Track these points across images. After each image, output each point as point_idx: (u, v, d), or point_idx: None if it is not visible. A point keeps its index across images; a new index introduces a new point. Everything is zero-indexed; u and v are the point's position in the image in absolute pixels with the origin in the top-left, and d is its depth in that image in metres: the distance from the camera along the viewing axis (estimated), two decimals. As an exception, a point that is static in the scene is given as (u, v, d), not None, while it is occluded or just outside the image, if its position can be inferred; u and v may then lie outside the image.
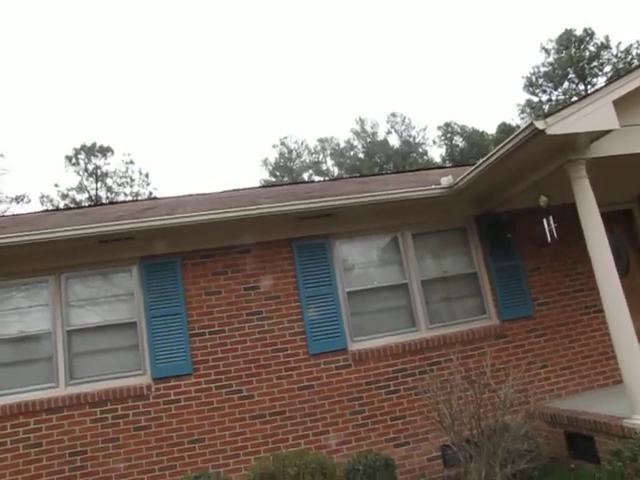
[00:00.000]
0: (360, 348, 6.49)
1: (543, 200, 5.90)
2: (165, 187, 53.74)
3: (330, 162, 52.50)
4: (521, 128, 5.13)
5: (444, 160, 48.52)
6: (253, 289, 6.41)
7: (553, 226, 5.96)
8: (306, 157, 52.86)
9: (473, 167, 6.13)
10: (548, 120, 4.84)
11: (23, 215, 8.82)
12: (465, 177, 6.28)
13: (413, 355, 6.53)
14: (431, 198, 6.67)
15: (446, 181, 6.65)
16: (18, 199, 34.22)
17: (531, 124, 4.90)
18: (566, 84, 43.93)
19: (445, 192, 6.61)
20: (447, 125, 50.11)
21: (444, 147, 50.48)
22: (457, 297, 6.99)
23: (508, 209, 7.04)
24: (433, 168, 11.44)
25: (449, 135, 50.43)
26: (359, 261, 6.93)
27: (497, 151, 5.53)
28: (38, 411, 5.86)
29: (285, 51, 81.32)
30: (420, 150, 50.96)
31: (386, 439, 6.27)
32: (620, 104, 5.11)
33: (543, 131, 4.80)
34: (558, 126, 4.84)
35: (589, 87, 42.76)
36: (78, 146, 44.17)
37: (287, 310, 6.42)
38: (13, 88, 67.34)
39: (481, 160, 5.94)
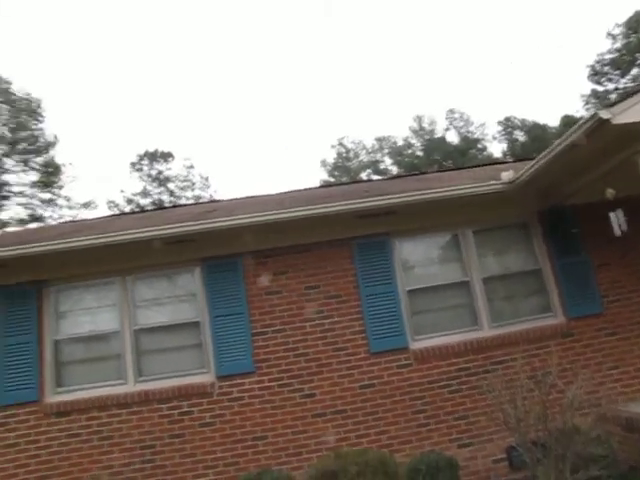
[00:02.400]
0: (421, 347, 6.41)
1: (610, 192, 5.63)
2: (225, 190, 54.97)
3: (388, 161, 52.06)
4: (584, 119, 4.93)
5: (505, 155, 47.18)
6: (314, 288, 6.45)
7: (622, 220, 5.69)
8: (364, 156, 52.65)
9: (534, 161, 5.94)
10: (613, 109, 4.63)
11: (92, 220, 9.22)
12: (526, 171, 6.09)
13: (476, 354, 6.40)
14: (492, 194, 6.50)
15: (506, 176, 6.47)
16: (87, 205, 35.76)
17: (595, 114, 4.70)
18: (635, 70, 41.77)
19: (506, 187, 6.43)
20: (507, 120, 48.75)
21: (504, 142, 49.11)
22: (521, 295, 6.79)
23: (573, 203, 6.75)
24: (493, 163, 11.13)
25: (509, 130, 48.99)
26: (419, 259, 6.85)
27: (560, 144, 5.33)
28: (109, 406, 6.12)
29: (341, 51, 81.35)
30: (479, 146, 49.78)
31: (449, 439, 6.17)
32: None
33: (608, 121, 4.60)
34: (624, 115, 4.62)
35: (660, 72, 40.48)
36: (141, 152, 45.73)
37: (347, 309, 6.42)
38: (80, 100, 70.36)
39: (543, 153, 5.75)
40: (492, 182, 6.52)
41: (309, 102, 78.06)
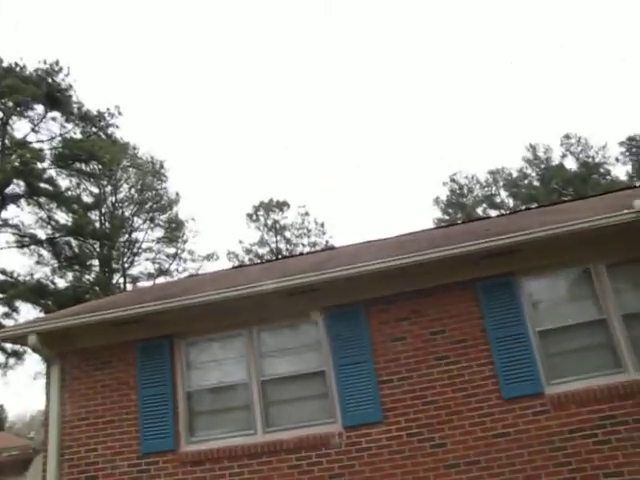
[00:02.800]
0: (558, 392, 5.97)
1: None
2: (340, 235, 56.28)
3: (504, 193, 50.43)
4: None
5: (631, 178, 43.99)
6: (439, 333, 6.25)
7: None
8: (478, 191, 51.38)
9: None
10: None
11: (214, 273, 9.63)
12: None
13: (622, 400, 5.85)
14: (624, 224, 6.02)
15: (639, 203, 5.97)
16: (208, 257, 38.01)
17: None
18: None
19: (637, 216, 5.93)
20: (631, 139, 45.67)
21: (630, 163, 45.90)
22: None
23: None
24: (621, 189, 10.41)
25: (634, 150, 45.79)
26: (549, 298, 6.46)
27: None
28: (240, 456, 6.21)
29: (445, 87, 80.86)
30: (602, 170, 46.91)
31: (601, 497, 5.64)
32: None
33: None
34: None
35: None
36: (257, 203, 47.60)
37: (475, 353, 6.15)
38: (196, 156, 74.92)
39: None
40: (625, 211, 6.04)
41: (419, 140, 78.00)
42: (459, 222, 27.41)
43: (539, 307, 6.39)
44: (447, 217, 49.23)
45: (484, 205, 49.79)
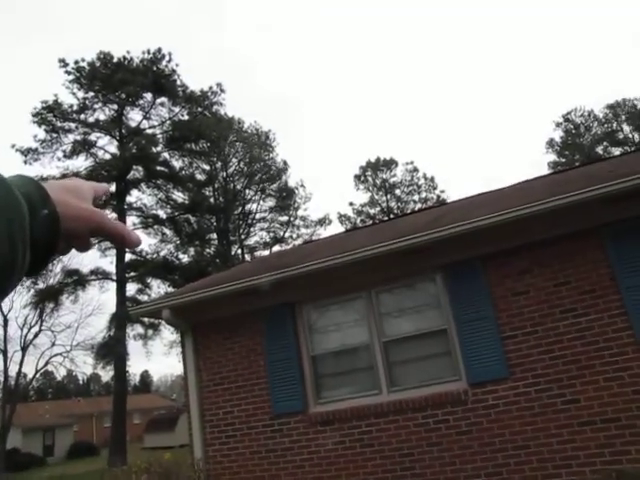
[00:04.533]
0: None
1: None
2: (452, 188, 54.81)
3: (627, 128, 46.06)
4: None
5: None
6: (564, 284, 5.94)
7: None
8: (597, 129, 47.25)
9: None
10: None
11: (328, 237, 9.81)
12: None
13: None
14: None
15: None
16: (321, 222, 38.65)
17: None
18: None
19: None
20: None
21: None
22: None
23: None
24: None
25: None
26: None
27: None
28: (367, 415, 6.38)
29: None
30: None
31: None
32: None
33: None
34: None
35: None
36: (364, 164, 47.59)
37: (605, 304, 5.78)
38: (299, 121, 75.95)
39: None
40: None
41: (525, 78, 73.45)
42: (577, 165, 25.61)
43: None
44: (564, 160, 45.89)
45: (605, 143, 45.67)
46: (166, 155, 31.77)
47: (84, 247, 0.59)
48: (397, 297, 6.62)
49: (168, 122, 31.55)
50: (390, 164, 47.05)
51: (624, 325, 5.70)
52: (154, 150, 30.46)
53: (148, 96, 30.77)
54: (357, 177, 47.42)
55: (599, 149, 44.85)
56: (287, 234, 37.64)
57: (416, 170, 46.61)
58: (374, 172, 47.07)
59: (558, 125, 47.99)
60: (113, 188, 28.44)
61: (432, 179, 46.19)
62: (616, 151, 41.28)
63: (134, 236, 0.61)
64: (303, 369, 6.80)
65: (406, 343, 6.45)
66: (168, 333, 29.66)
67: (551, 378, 5.83)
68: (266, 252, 33.84)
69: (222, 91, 32.11)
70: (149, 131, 31.28)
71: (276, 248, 34.87)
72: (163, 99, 31.14)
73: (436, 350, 6.34)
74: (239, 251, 36.00)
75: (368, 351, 6.56)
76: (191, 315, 7.35)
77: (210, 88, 31.94)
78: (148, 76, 29.54)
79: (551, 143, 48.08)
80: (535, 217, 5.74)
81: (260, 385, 6.96)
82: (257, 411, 6.92)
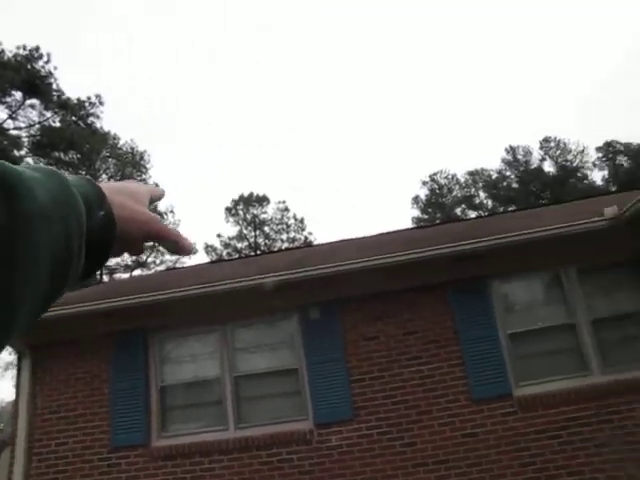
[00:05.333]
0: (526, 394, 6.10)
1: None
2: (319, 231, 56.26)
3: (482, 195, 50.82)
4: None
5: (607, 183, 44.62)
6: (412, 333, 6.33)
7: None
8: (457, 192, 51.62)
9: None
10: None
11: (191, 267, 9.60)
12: (632, 206, 5.74)
13: (587, 402, 6.00)
14: (595, 231, 6.16)
15: (610, 212, 6.12)
16: None
17: None
18: None
19: (609, 224, 6.08)
20: (608, 145, 46.26)
21: (606, 169, 46.59)
22: (636, 336, 6.34)
23: None
24: (596, 195, 10.63)
25: (611, 156, 46.45)
26: (519, 301, 6.60)
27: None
28: (212, 451, 6.24)
29: (426, 87, 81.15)
30: (579, 175, 47.49)
31: (563, 495, 5.78)
32: None
33: None
34: None
35: None
36: (237, 197, 47.41)
37: (447, 354, 6.24)
38: (176, 148, 74.47)
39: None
40: (595, 218, 6.19)
41: (400, 138, 78.16)
42: (437, 222, 27.79)
43: (510, 310, 6.50)
44: (426, 216, 49.51)
45: (463, 205, 50.14)
46: (30, 160, 29.46)
47: (137, 251, 0.58)
48: (253, 333, 6.63)
49: (37, 126, 29.44)
50: (262, 200, 47.61)
51: (461, 374, 6.17)
52: (16, 153, 28.13)
53: (18, 95, 28.55)
54: (228, 209, 47.37)
55: (458, 210, 48.94)
56: (150, 259, 36.35)
57: (287, 210, 47.56)
58: (246, 206, 47.35)
59: (424, 184, 51.84)
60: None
61: (302, 220, 47.32)
62: (472, 214, 45.37)
63: (188, 243, 0.60)
64: (149, 400, 6.51)
65: (258, 380, 6.45)
66: (5, 353, 27.08)
67: (392, 422, 6.12)
68: (126, 275, 32.40)
69: (101, 103, 30.72)
70: (13, 132, 28.94)
71: (137, 272, 33.51)
72: (34, 101, 29.02)
73: (286, 389, 6.40)
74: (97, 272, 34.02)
75: (218, 385, 6.46)
76: (32, 335, 6.78)
77: (88, 98, 30.44)
78: (21, 73, 27.44)
79: (416, 199, 51.73)
80: (391, 268, 6.09)
81: (100, 415, 6.55)
82: (94, 443, 6.49)
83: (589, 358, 6.22)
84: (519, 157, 49.69)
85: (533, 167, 48.42)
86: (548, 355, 6.33)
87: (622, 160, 45.70)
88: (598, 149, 46.86)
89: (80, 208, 0.44)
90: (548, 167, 48.47)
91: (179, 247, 0.59)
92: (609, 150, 46.20)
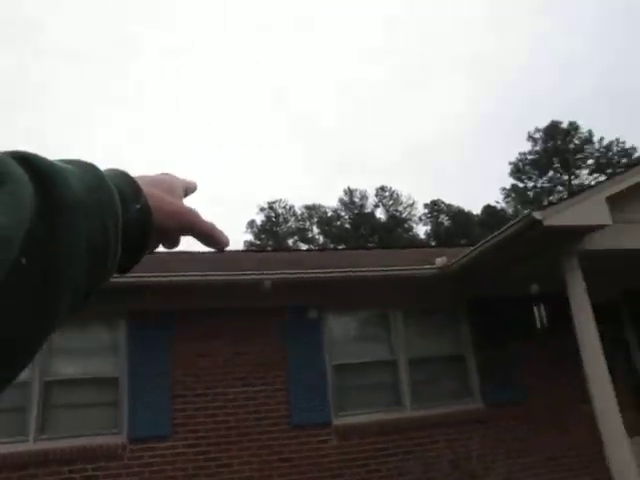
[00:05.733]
0: (344, 423, 6.35)
1: (534, 289, 6.01)
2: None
3: (316, 230, 52.77)
4: (519, 217, 5.31)
5: (429, 237, 49.13)
6: (242, 354, 6.30)
7: (544, 313, 6.03)
8: (292, 223, 53.07)
9: (470, 249, 6.25)
10: (545, 212, 5.02)
11: None
12: (460, 259, 6.38)
13: (396, 434, 6.40)
14: (425, 278, 6.71)
15: (441, 261, 6.74)
16: None
17: (529, 214, 5.07)
18: (551, 173, 45.46)
19: (439, 272, 6.68)
20: (434, 203, 51.06)
21: (429, 224, 51.28)
22: (445, 378, 6.94)
23: (499, 294, 6.92)
24: (422, 246, 11.64)
25: (435, 213, 51.33)
26: (347, 335, 6.96)
27: (493, 237, 5.67)
28: (3, 467, 5.57)
29: (286, 114, 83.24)
30: (406, 226, 51.60)
31: (364, 522, 6.04)
32: (613, 201, 5.34)
33: (540, 222, 4.96)
34: (555, 218, 5.01)
35: (573, 177, 44.24)
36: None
37: (273, 378, 6.31)
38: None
39: (480, 243, 6.07)
40: (428, 266, 6.77)
41: (244, 162, 78.84)
42: (269, 249, 28.38)
43: (338, 342, 6.78)
44: (259, 242, 50.26)
45: (296, 237, 51.66)
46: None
47: (173, 244, 0.57)
48: (72, 336, 6.07)
49: None
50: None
51: (283, 399, 6.26)
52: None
53: None
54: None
55: (290, 241, 50.51)
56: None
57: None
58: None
59: (262, 210, 52.75)
60: None
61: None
62: (303, 246, 47.24)
63: (224, 237, 0.58)
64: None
65: (71, 386, 5.95)
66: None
67: (212, 441, 5.99)
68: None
69: None
70: None
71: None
72: None
73: (101, 399, 5.97)
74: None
75: (25, 390, 5.81)
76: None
77: None
78: None
79: (252, 224, 52.35)
80: (229, 285, 6.09)
81: None
82: None
83: (404, 394, 6.67)
84: (355, 200, 52.81)
85: (367, 211, 51.74)
86: (369, 388, 6.69)
87: (444, 219, 50.75)
88: (425, 205, 51.58)
89: (116, 200, 0.43)
90: (380, 214, 52.12)
91: (216, 241, 0.59)
92: (434, 208, 51.13)
